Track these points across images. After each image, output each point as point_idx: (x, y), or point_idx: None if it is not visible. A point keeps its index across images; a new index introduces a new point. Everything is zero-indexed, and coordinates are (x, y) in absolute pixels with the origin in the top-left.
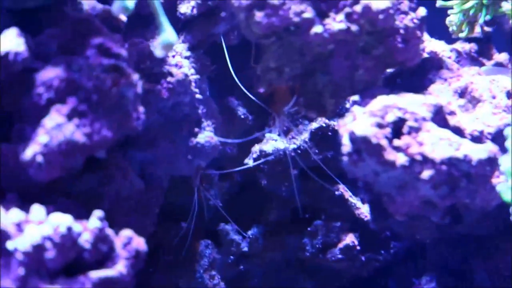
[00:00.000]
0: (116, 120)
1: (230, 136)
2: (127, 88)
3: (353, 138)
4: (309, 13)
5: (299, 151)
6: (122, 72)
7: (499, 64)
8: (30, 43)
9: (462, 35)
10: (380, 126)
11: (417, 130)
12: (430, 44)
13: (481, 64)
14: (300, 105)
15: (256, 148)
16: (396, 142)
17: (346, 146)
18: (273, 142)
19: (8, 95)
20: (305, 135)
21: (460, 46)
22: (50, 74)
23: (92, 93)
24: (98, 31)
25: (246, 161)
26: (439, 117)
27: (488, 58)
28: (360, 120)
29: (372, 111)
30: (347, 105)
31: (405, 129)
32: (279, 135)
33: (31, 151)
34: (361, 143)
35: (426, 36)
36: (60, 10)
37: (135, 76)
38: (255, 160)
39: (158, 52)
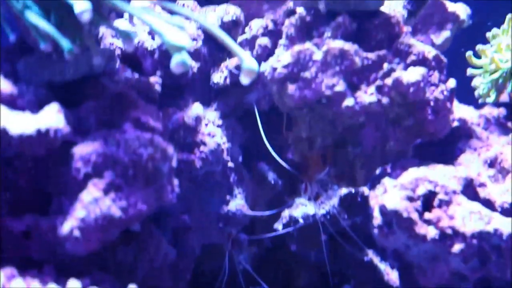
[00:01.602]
0: (151, 194)
1: (260, 200)
2: (163, 163)
3: (384, 211)
4: (341, 86)
5: (329, 217)
6: (157, 146)
7: None
8: (69, 117)
9: (489, 100)
10: (410, 199)
11: (447, 203)
12: (459, 111)
13: (510, 130)
14: (331, 175)
15: (286, 213)
16: (427, 215)
17: (377, 219)
18: (302, 208)
19: (48, 169)
20: (335, 200)
21: (488, 111)
22: (88, 149)
23: (129, 168)
24: (134, 104)
25: (276, 225)
26: (469, 189)
27: None
28: (390, 193)
29: (402, 184)
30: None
31: (435, 202)
32: (309, 200)
33: (69, 225)
34: (391, 217)
35: (454, 102)
36: (98, 82)
37: (170, 150)
38: (284, 225)
39: (243, 80)
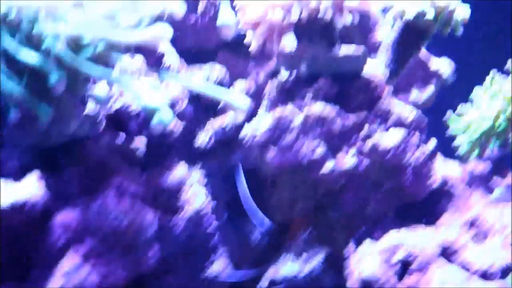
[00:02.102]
0: (131, 260)
1: (246, 259)
2: (143, 229)
3: (362, 277)
4: (321, 150)
5: (314, 274)
6: (138, 213)
7: None
8: (50, 184)
9: (473, 156)
10: (389, 264)
11: (426, 267)
12: (443, 167)
13: (495, 184)
14: (312, 237)
15: (270, 271)
16: (406, 280)
17: (355, 284)
18: (287, 266)
19: (28, 236)
20: (320, 257)
21: (473, 166)
22: (69, 216)
23: (109, 235)
24: (116, 169)
25: (261, 285)
26: (448, 253)
27: (502, 176)
28: (369, 258)
29: (381, 248)
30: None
31: (414, 266)
32: (293, 260)
33: None
34: (370, 282)
35: (439, 158)
36: (82, 147)
37: (150, 217)
38: (269, 284)
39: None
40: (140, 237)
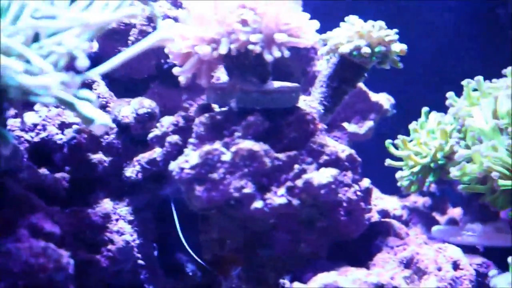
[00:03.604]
0: None
1: None
2: (56, 272)
3: None
4: (249, 189)
5: None
6: (51, 256)
7: (452, 221)
8: None
9: (412, 191)
10: None
11: None
12: (382, 202)
13: (434, 220)
14: (242, 278)
15: None
16: None
17: None
18: None
19: None
20: None
21: (413, 200)
22: None
23: (20, 279)
24: (33, 208)
25: None
26: None
27: (442, 212)
28: None
29: None
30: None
31: None
32: None
33: None
34: None
35: (377, 193)
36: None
37: (65, 259)
38: None
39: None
40: (52, 281)
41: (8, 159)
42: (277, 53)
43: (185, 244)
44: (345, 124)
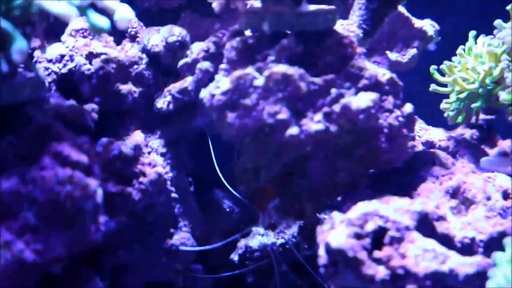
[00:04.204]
0: (71, 235)
1: (216, 230)
2: (84, 200)
3: (329, 250)
4: (284, 114)
5: (288, 246)
6: (77, 183)
7: (503, 153)
8: None
9: (459, 121)
10: (358, 236)
11: (399, 240)
12: (426, 133)
13: (483, 153)
14: (282, 208)
15: (241, 243)
16: (377, 253)
17: (323, 257)
18: (259, 237)
19: None
20: (294, 229)
21: (460, 132)
22: (2, 187)
23: (45, 207)
24: (58, 136)
25: (232, 256)
26: (425, 225)
27: (491, 145)
28: (337, 230)
29: (350, 219)
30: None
31: (386, 239)
32: (265, 229)
33: None
34: (337, 255)
35: (422, 124)
36: (23, 113)
37: (93, 186)
38: (240, 256)
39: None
40: (81, 210)
41: (33, 89)
42: None
43: (222, 177)
44: (387, 52)
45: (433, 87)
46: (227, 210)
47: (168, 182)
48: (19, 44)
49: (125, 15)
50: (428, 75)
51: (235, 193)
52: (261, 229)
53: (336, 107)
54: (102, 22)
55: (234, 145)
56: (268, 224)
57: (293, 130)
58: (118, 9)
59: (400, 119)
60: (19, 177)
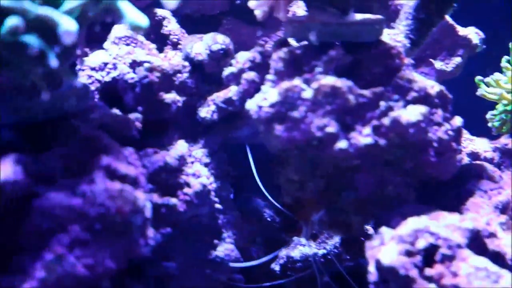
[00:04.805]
0: (121, 249)
1: (257, 238)
2: (133, 215)
3: (380, 267)
4: (332, 128)
5: (329, 257)
6: (127, 198)
7: None
8: (31, 166)
9: (503, 131)
10: (409, 254)
11: (451, 258)
12: (471, 144)
13: None
14: (324, 221)
15: (283, 253)
16: (428, 271)
17: (373, 274)
18: (300, 248)
19: (8, 223)
20: (336, 240)
21: (504, 142)
22: (52, 201)
23: (96, 222)
24: (106, 148)
25: (273, 266)
26: (476, 242)
27: None
28: (387, 246)
29: (401, 236)
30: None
31: (437, 256)
32: (306, 242)
33: (28, 287)
34: (388, 273)
35: (466, 135)
36: (69, 123)
37: (142, 201)
38: (282, 266)
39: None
40: (130, 224)
41: (78, 99)
42: None
43: (263, 188)
44: (432, 61)
45: (480, 91)
46: (268, 219)
47: (212, 193)
48: (66, 25)
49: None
50: (467, 82)
51: (276, 204)
52: (303, 239)
53: (386, 121)
54: (141, 19)
55: (276, 155)
56: (310, 234)
57: (341, 144)
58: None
59: (450, 132)
60: (69, 190)
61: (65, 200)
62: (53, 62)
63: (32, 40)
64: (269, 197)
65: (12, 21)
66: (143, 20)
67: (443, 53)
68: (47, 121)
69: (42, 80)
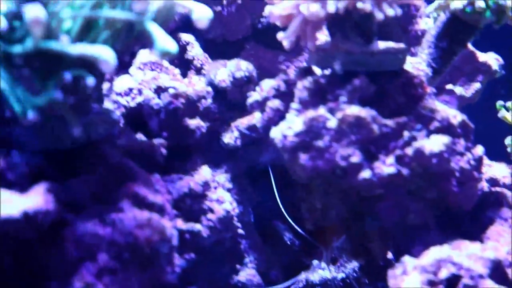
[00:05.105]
0: (148, 278)
1: (276, 262)
2: (161, 244)
3: None
4: (356, 157)
5: (348, 281)
6: (156, 227)
7: None
8: (61, 194)
9: None
10: (432, 284)
11: None
12: (490, 169)
13: None
14: (346, 248)
15: (302, 276)
16: None
17: None
18: (320, 271)
19: (36, 250)
20: (355, 264)
21: None
22: (81, 229)
23: (124, 250)
24: (133, 176)
25: None
26: (498, 272)
27: None
28: (410, 276)
29: (423, 266)
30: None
31: (460, 287)
32: (326, 266)
33: None
34: None
35: (485, 160)
36: (97, 150)
37: (170, 230)
38: None
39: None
40: (158, 253)
41: (106, 126)
42: (390, 12)
43: (285, 213)
44: (449, 86)
45: (501, 113)
46: (288, 242)
47: (235, 218)
48: (105, 56)
49: (204, 14)
50: (484, 106)
51: (298, 229)
52: (323, 263)
53: (409, 151)
54: (170, 45)
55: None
56: (330, 260)
57: (365, 174)
58: (195, 9)
59: (471, 162)
60: (98, 218)
61: (94, 228)
62: (90, 81)
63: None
64: (292, 222)
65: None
66: (172, 46)
67: (462, 79)
68: (73, 148)
69: (71, 113)
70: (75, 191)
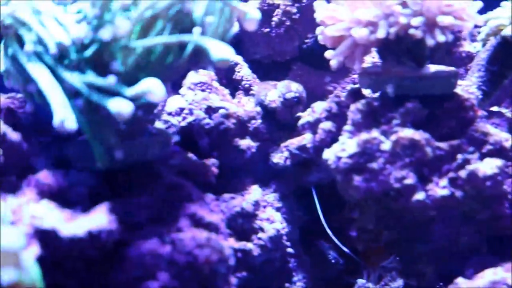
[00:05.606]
0: None
1: (320, 281)
2: (219, 264)
3: None
4: (410, 179)
5: None
6: (214, 247)
7: None
8: (120, 214)
9: None
10: None
11: None
12: None
13: None
14: (397, 269)
15: None
16: None
17: None
18: None
19: (98, 270)
20: (399, 283)
21: None
22: (142, 249)
23: (184, 270)
24: (189, 196)
25: None
26: None
27: None
28: None
29: None
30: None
31: None
32: (372, 286)
33: None
34: None
35: None
36: (152, 170)
37: (228, 251)
38: None
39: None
40: (216, 273)
41: (161, 146)
42: (441, 38)
43: (330, 232)
44: (494, 108)
45: None
46: (333, 261)
47: (284, 237)
48: (155, 90)
49: (255, 15)
50: None
51: (345, 249)
52: (370, 284)
53: (462, 173)
54: (225, 51)
55: (342, 201)
56: (376, 280)
57: (419, 196)
58: (248, 10)
59: None
60: (158, 238)
61: (154, 248)
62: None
63: None
64: (338, 242)
65: None
66: (228, 52)
67: (507, 100)
68: (130, 168)
69: (115, 139)
70: (134, 211)
